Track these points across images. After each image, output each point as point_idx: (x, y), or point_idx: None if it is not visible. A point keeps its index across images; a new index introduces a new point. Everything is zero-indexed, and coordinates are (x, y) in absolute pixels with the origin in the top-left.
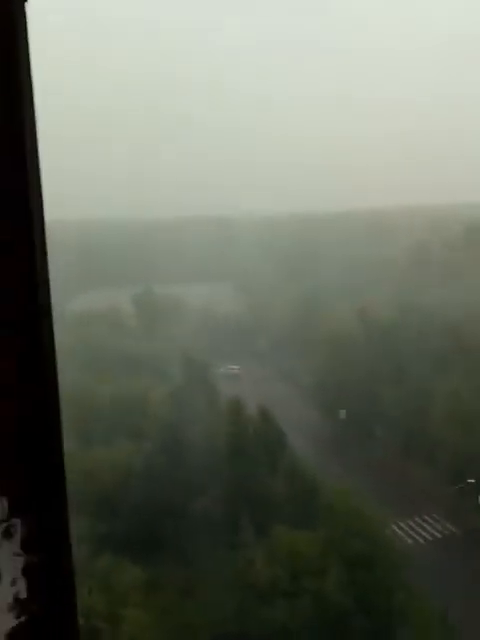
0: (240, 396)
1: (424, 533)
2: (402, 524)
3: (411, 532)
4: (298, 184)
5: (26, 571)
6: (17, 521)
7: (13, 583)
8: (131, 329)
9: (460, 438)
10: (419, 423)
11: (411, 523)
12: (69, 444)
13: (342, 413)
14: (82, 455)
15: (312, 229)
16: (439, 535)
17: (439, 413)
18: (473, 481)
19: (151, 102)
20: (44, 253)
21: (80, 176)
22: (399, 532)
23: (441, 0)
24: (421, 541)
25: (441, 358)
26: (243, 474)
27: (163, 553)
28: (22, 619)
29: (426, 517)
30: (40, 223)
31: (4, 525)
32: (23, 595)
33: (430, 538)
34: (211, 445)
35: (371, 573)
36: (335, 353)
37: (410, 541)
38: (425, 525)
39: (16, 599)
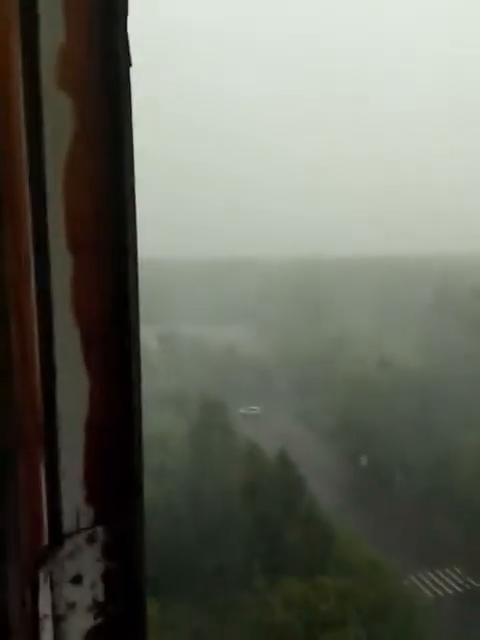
0: (259, 438)
1: (444, 586)
2: (422, 576)
3: (431, 585)
4: (322, 228)
5: (105, 576)
6: (100, 529)
7: (93, 586)
8: (155, 367)
9: None
10: (442, 474)
11: (431, 575)
12: None
13: (363, 459)
14: None
15: (335, 272)
16: (460, 589)
17: (463, 464)
18: None
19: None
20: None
21: None
22: (418, 584)
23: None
24: (441, 594)
25: (466, 408)
26: (260, 518)
27: (178, 594)
28: (99, 620)
29: (447, 570)
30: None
31: (89, 531)
32: (101, 598)
33: (450, 592)
34: (229, 487)
35: (387, 625)
36: (357, 398)
37: (430, 594)
38: (445, 578)
39: (95, 601)
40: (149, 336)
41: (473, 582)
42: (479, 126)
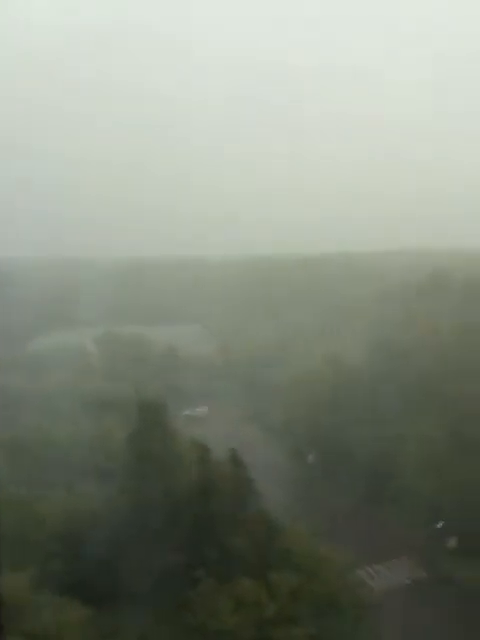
0: (205, 439)
1: (393, 577)
2: (370, 569)
3: (379, 577)
4: (268, 227)
5: None
6: None
7: None
8: (94, 369)
9: (430, 482)
10: (389, 467)
11: (380, 568)
12: (29, 487)
13: (311, 456)
14: (41, 498)
15: (281, 271)
16: (408, 580)
17: (409, 457)
18: (442, 525)
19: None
20: None
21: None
22: (367, 577)
23: None
24: (389, 585)
25: (412, 402)
26: (207, 518)
27: (122, 600)
28: None
29: (395, 561)
30: None
31: None
32: None
33: (399, 583)
34: (173, 488)
35: (337, 619)
36: (304, 395)
37: (378, 586)
38: (394, 569)
39: None
40: (86, 338)
41: (421, 572)
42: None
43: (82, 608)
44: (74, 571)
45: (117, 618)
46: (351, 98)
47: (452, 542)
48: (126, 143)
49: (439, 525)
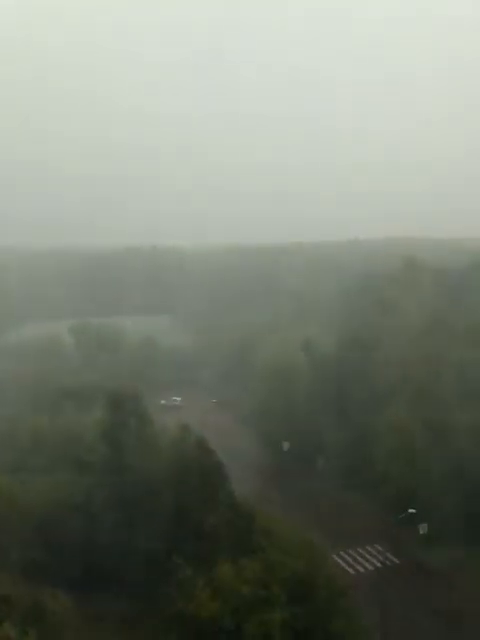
0: (182, 428)
1: (366, 563)
2: (343, 554)
3: (352, 562)
4: (242, 216)
5: None
6: None
7: None
8: (70, 360)
9: (401, 469)
10: (362, 455)
11: (352, 553)
12: (9, 475)
13: (285, 445)
14: (20, 485)
15: (256, 260)
16: (380, 565)
17: (381, 444)
18: (414, 511)
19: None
20: None
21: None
22: (341, 562)
23: None
24: (362, 571)
25: (385, 390)
26: (182, 505)
27: (101, 587)
28: None
29: (368, 547)
30: None
31: None
32: None
33: (371, 568)
34: (149, 477)
35: (311, 603)
36: (279, 385)
37: (351, 571)
38: (366, 555)
39: None
40: (61, 329)
41: (393, 558)
42: None
43: (63, 595)
44: (54, 558)
45: (97, 605)
46: None
47: (423, 528)
48: None
49: (410, 511)
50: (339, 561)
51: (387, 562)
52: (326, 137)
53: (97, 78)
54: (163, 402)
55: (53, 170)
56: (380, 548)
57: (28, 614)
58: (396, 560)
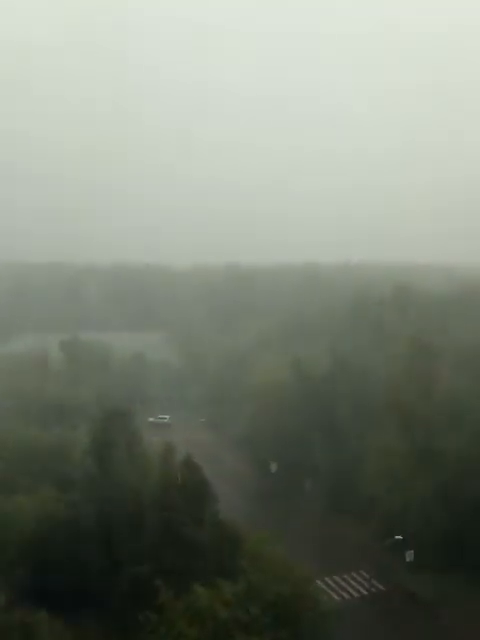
0: (168, 446)
1: (350, 589)
2: (328, 580)
3: (337, 588)
4: (236, 235)
5: None
6: None
7: None
8: (58, 375)
9: (389, 495)
10: (350, 478)
11: (338, 579)
12: None
13: (273, 466)
14: (3, 502)
15: (248, 280)
16: (365, 592)
17: (370, 469)
18: (401, 538)
19: None
20: None
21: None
22: (325, 588)
23: None
24: (347, 597)
25: (373, 414)
26: (167, 524)
27: (81, 610)
28: None
29: (354, 573)
30: None
31: None
32: None
33: (356, 595)
34: (136, 495)
35: (295, 629)
36: (268, 405)
37: (336, 597)
38: (352, 581)
39: None
40: (53, 344)
41: (378, 585)
42: None
43: (48, 616)
44: (36, 577)
45: (80, 625)
46: None
47: (409, 555)
48: None
49: (397, 538)
50: (324, 586)
51: (372, 589)
52: (323, 160)
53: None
54: (151, 419)
55: (51, 178)
56: (366, 575)
57: (13, 634)
58: (381, 587)
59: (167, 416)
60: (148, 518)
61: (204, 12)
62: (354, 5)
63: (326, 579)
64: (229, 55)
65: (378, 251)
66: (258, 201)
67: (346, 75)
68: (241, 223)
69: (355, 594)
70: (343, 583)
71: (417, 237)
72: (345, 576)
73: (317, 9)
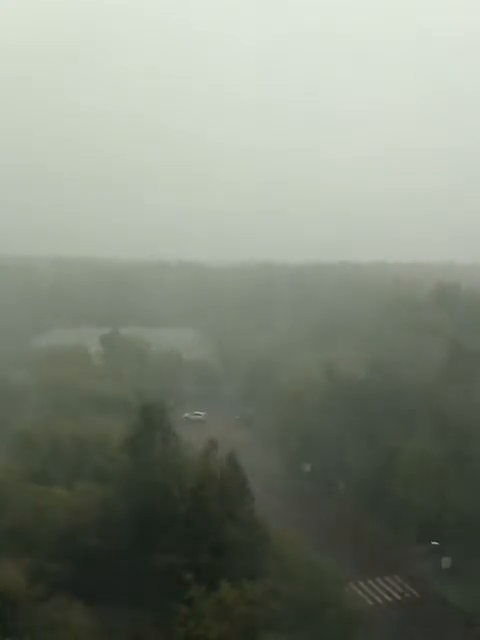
0: (204, 442)
1: (383, 594)
2: (361, 583)
3: (370, 592)
4: (269, 234)
5: None
6: None
7: None
8: (97, 369)
9: (425, 499)
10: (384, 482)
11: (371, 582)
12: (34, 482)
13: (306, 466)
14: (41, 493)
15: (283, 278)
16: (398, 597)
17: (404, 472)
18: (437, 544)
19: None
20: None
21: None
22: (358, 591)
23: None
24: (380, 601)
25: (408, 416)
26: (202, 521)
27: (115, 600)
28: None
29: (387, 578)
30: None
31: None
32: None
33: (389, 599)
34: (171, 490)
35: (324, 631)
36: (301, 404)
37: (369, 601)
38: (385, 585)
39: None
40: (92, 337)
41: (412, 591)
42: None
43: (82, 607)
44: (71, 569)
45: (111, 619)
46: None
47: (446, 562)
48: None
49: (433, 544)
50: (357, 590)
51: (406, 594)
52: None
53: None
54: (186, 415)
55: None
56: (400, 579)
57: (46, 626)
58: (416, 593)
59: (202, 412)
60: (183, 513)
61: None
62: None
63: (359, 582)
64: None
65: (416, 251)
66: (290, 201)
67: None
68: (274, 221)
69: (388, 599)
70: (376, 587)
71: (458, 238)
72: (378, 580)
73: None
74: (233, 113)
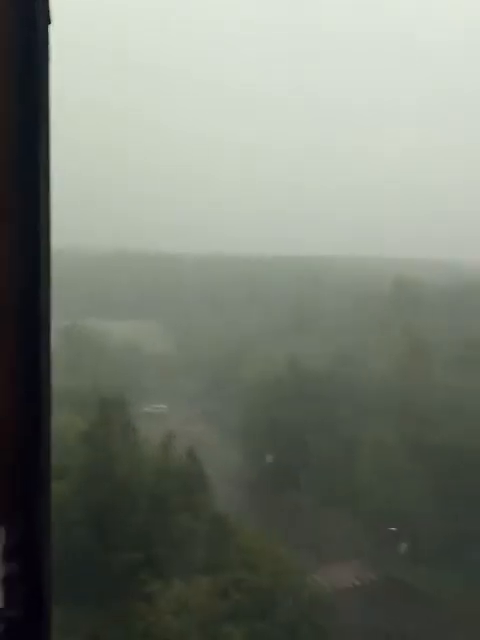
0: (168, 435)
1: (344, 580)
2: (322, 571)
3: (330, 578)
4: (233, 226)
5: (6, 580)
6: (1, 529)
7: None
8: (55, 362)
9: (383, 486)
10: (346, 471)
11: (331, 570)
12: None
13: (268, 458)
14: None
15: (245, 271)
16: (358, 583)
17: (364, 461)
18: (395, 530)
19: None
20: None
21: None
22: (318, 578)
23: None
24: (339, 588)
25: (369, 407)
26: (161, 516)
27: (73, 598)
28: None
29: (347, 564)
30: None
31: None
32: (1, 604)
33: (348, 585)
34: (130, 484)
35: (288, 619)
36: (264, 397)
37: (329, 588)
38: (346, 572)
39: None
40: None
41: (372, 576)
42: None
43: None
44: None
45: (67, 618)
46: None
47: (403, 547)
48: None
49: (391, 530)
50: (317, 577)
51: (366, 580)
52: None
53: None
54: (147, 410)
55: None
56: (360, 566)
57: None
58: (374, 578)
59: (164, 406)
60: (141, 507)
61: None
62: None
63: (320, 570)
64: None
65: (380, 246)
66: (261, 196)
67: None
68: (242, 214)
69: (347, 585)
70: (337, 574)
71: (421, 233)
72: (339, 567)
73: None
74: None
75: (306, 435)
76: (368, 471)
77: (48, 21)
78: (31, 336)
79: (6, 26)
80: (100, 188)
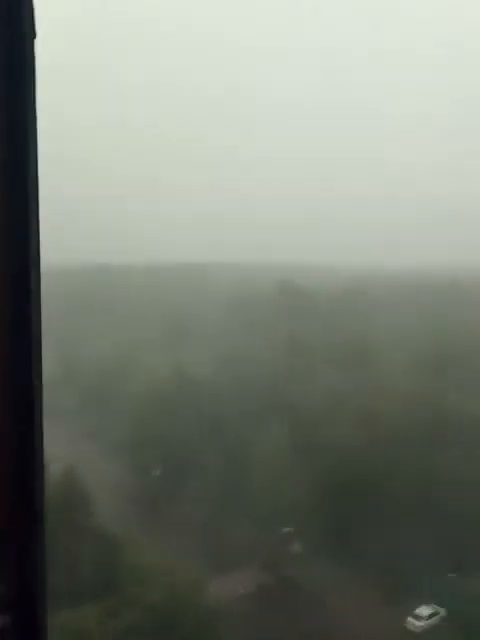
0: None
1: (239, 587)
2: (217, 580)
3: (226, 587)
4: (113, 233)
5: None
6: None
7: None
8: None
9: (275, 488)
10: (238, 477)
11: (227, 578)
12: None
13: (157, 470)
14: None
15: (124, 280)
16: (254, 588)
17: (256, 465)
18: (289, 530)
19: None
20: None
21: None
22: (214, 588)
23: None
24: (236, 594)
25: (258, 414)
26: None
27: None
28: None
29: (243, 571)
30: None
31: None
32: None
33: (244, 592)
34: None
35: (181, 632)
36: (149, 410)
37: (224, 596)
38: (241, 579)
39: None
40: None
41: (268, 580)
42: None
43: None
44: None
45: None
46: None
47: (296, 548)
48: None
49: (285, 531)
50: (213, 587)
51: (262, 584)
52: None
53: None
54: None
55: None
56: (255, 570)
57: None
58: (271, 582)
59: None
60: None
61: None
62: None
63: (217, 580)
64: None
65: (257, 250)
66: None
67: None
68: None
69: (243, 591)
70: (233, 581)
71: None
72: (234, 574)
73: None
74: None
75: (194, 443)
76: (259, 474)
77: (33, 35)
78: (23, 351)
79: None
80: None
